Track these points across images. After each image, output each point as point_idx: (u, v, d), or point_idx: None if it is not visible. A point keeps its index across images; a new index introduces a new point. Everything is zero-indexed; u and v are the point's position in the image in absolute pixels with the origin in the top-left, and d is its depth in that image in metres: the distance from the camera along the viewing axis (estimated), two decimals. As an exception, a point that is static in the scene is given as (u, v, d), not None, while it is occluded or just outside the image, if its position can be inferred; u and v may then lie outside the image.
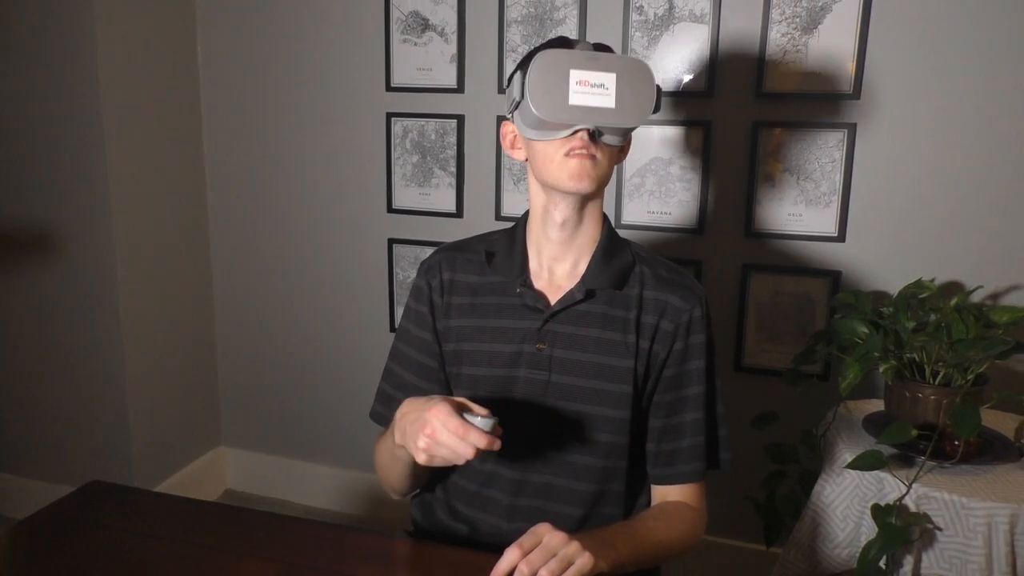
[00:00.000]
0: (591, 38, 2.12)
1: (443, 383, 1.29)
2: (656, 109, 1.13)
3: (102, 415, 2.48)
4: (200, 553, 1.06)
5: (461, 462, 0.98)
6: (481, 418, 0.99)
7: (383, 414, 1.32)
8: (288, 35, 2.45)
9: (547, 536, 0.98)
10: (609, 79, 1.08)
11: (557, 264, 1.24)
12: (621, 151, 1.23)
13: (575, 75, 1.08)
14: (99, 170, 2.28)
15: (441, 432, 0.97)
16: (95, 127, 2.25)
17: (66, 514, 1.15)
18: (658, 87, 1.13)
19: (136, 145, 2.37)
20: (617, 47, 2.08)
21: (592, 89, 1.08)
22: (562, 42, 1.17)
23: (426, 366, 1.29)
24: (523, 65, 1.15)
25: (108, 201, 2.29)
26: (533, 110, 1.09)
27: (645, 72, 1.10)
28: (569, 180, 1.14)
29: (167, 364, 2.58)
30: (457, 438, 0.96)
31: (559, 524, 1.15)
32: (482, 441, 0.96)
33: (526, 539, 0.98)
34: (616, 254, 1.24)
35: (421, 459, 1.00)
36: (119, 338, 2.39)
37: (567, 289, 1.22)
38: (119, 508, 1.17)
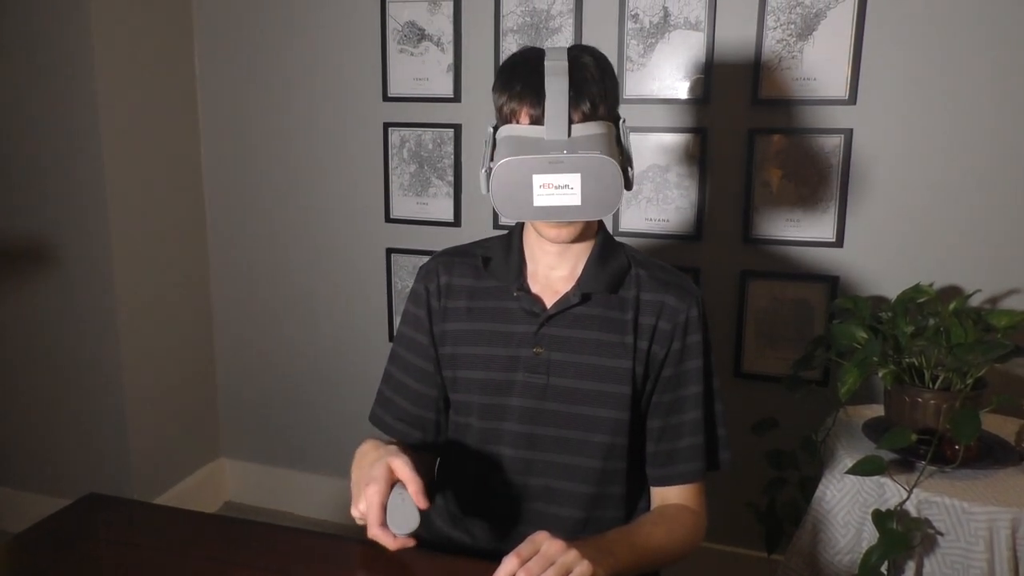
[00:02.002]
0: (587, 46, 2.12)
1: (440, 387, 1.29)
2: (631, 187, 1.10)
3: (100, 427, 2.47)
4: (197, 565, 1.05)
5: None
6: (402, 516, 1.00)
7: (382, 418, 1.33)
8: (284, 46, 2.46)
9: (545, 544, 0.98)
10: (574, 179, 1.04)
11: (553, 269, 1.24)
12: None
13: (538, 179, 1.05)
14: (96, 181, 2.28)
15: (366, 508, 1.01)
16: (92, 137, 2.26)
17: (63, 527, 1.14)
18: (626, 174, 1.08)
19: (133, 156, 2.37)
20: (612, 55, 2.08)
21: (556, 191, 1.05)
22: (529, 55, 1.13)
23: (423, 370, 1.29)
24: (496, 86, 1.14)
25: (105, 212, 2.29)
26: (500, 213, 1.08)
27: (610, 168, 1.03)
28: (547, 232, 1.18)
29: (166, 375, 2.58)
30: (371, 523, 1.00)
31: (560, 527, 1.15)
32: (380, 540, 1.00)
33: (524, 547, 0.98)
34: (611, 257, 1.24)
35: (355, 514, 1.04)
36: (117, 350, 2.38)
37: (563, 293, 1.22)
38: (116, 521, 1.16)
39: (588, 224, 1.21)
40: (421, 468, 1.27)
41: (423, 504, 0.99)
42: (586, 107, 1.07)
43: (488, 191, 1.08)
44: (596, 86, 1.09)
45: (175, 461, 2.65)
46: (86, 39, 2.21)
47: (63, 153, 2.30)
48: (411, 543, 1.00)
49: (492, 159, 1.09)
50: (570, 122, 1.06)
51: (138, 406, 2.47)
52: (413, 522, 0.99)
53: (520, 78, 1.11)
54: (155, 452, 2.55)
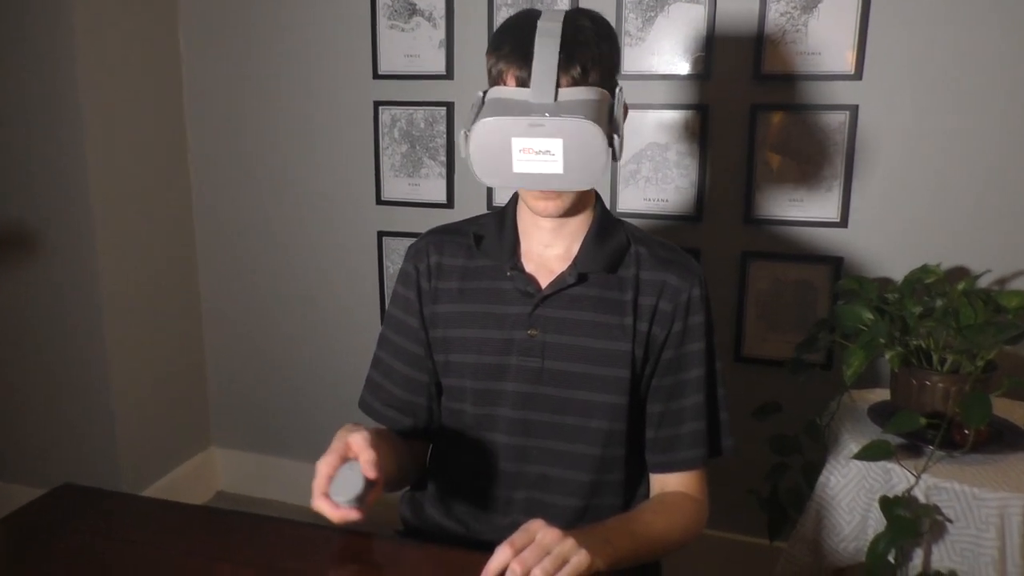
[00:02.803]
0: (583, 21, 2.06)
1: (430, 371, 1.24)
2: (618, 157, 1.02)
3: (87, 417, 2.42)
4: (173, 557, 1.00)
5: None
6: (345, 485, 0.96)
7: (371, 404, 1.28)
8: (271, 23, 2.39)
9: (540, 533, 0.93)
10: (555, 145, 0.97)
11: (547, 247, 1.19)
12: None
13: (517, 143, 0.98)
14: (78, 164, 2.23)
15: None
16: (74, 118, 2.20)
17: (33, 519, 1.09)
18: (614, 141, 0.99)
19: (116, 138, 2.31)
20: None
21: (537, 156, 0.98)
22: (524, 16, 1.08)
23: (413, 354, 1.24)
24: (488, 48, 1.08)
25: (87, 195, 2.24)
26: (478, 176, 1.02)
27: (595, 134, 0.96)
28: (535, 204, 1.12)
29: (153, 364, 2.53)
30: (315, 493, 0.98)
31: (558, 516, 1.10)
32: (321, 510, 0.96)
33: (518, 537, 0.93)
34: (609, 236, 1.18)
35: None
36: (102, 338, 2.33)
37: (559, 272, 1.16)
38: (90, 512, 1.11)
39: (580, 199, 1.15)
40: (408, 455, 1.23)
41: (371, 474, 0.95)
42: (576, 71, 1.01)
43: (467, 155, 1.02)
44: (589, 50, 1.02)
45: (165, 451, 2.61)
46: (68, 23, 2.14)
47: (44, 138, 2.24)
48: (354, 515, 0.95)
49: (475, 121, 1.03)
50: (557, 85, 1.00)
51: (126, 395, 2.42)
52: (352, 490, 0.94)
53: (511, 38, 1.05)
54: (144, 442, 2.51)
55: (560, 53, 1.00)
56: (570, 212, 1.15)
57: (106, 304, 2.33)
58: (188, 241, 2.63)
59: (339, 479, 0.96)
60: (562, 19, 1.03)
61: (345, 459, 0.99)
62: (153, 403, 2.54)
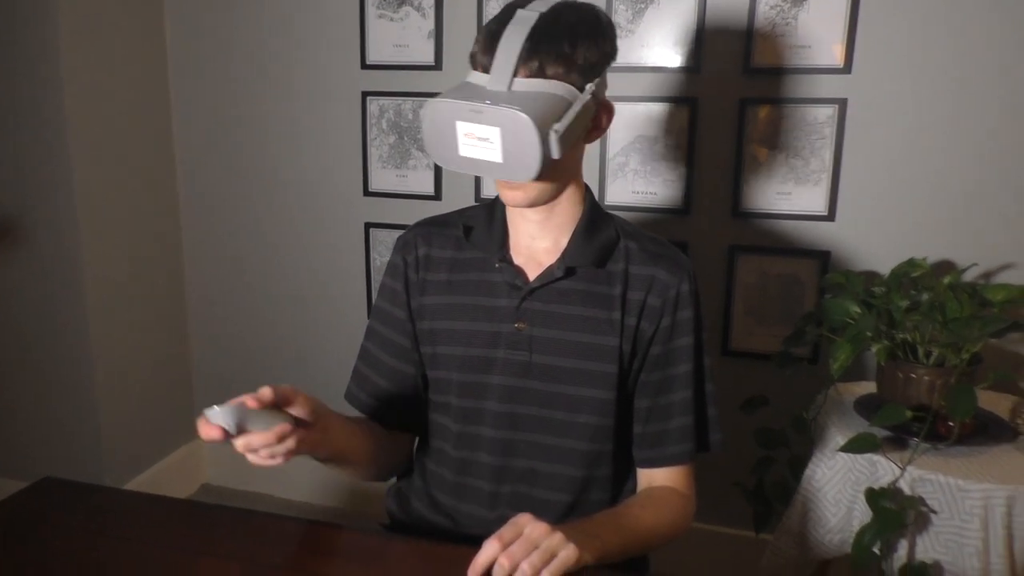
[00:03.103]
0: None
1: (417, 363, 1.24)
2: (555, 155, 0.99)
3: (70, 410, 2.40)
4: (156, 552, 0.99)
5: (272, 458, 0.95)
6: (225, 408, 0.91)
7: (356, 395, 1.27)
8: (259, 11, 2.37)
9: (528, 527, 0.93)
10: (493, 133, 0.98)
11: (534, 239, 1.18)
12: (591, 132, 1.13)
13: (461, 127, 1.00)
14: (62, 158, 2.20)
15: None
16: (57, 111, 2.17)
17: (14, 513, 1.08)
18: (549, 138, 0.98)
19: (101, 131, 2.29)
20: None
21: (479, 142, 1.00)
22: (513, 5, 1.07)
23: (400, 346, 1.23)
24: (477, 33, 1.08)
25: (72, 189, 2.21)
26: (429, 154, 1.03)
27: (527, 128, 0.96)
28: (502, 192, 1.13)
29: (138, 355, 2.51)
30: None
31: (546, 511, 1.10)
32: (204, 432, 0.90)
33: (506, 530, 0.93)
34: (599, 230, 1.18)
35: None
36: (86, 328, 2.31)
37: (547, 265, 1.16)
38: (72, 506, 1.10)
39: (551, 191, 1.12)
40: (383, 444, 1.23)
41: (251, 403, 0.93)
42: (534, 64, 1.01)
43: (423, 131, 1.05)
44: (557, 45, 1.01)
45: (150, 443, 2.59)
46: (53, 12, 2.11)
47: (27, 130, 2.21)
48: (216, 434, 0.90)
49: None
50: (515, 75, 1.00)
51: (110, 387, 2.40)
52: (221, 410, 0.90)
53: (488, 25, 1.06)
54: (129, 434, 2.49)
55: (525, 44, 1.00)
56: (540, 202, 1.13)
57: (90, 295, 2.30)
58: (174, 232, 2.61)
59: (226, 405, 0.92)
60: (543, 10, 1.03)
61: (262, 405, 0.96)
62: (138, 395, 2.52)
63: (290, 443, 0.95)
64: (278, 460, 0.95)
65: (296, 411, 0.98)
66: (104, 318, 2.36)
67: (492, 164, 1.01)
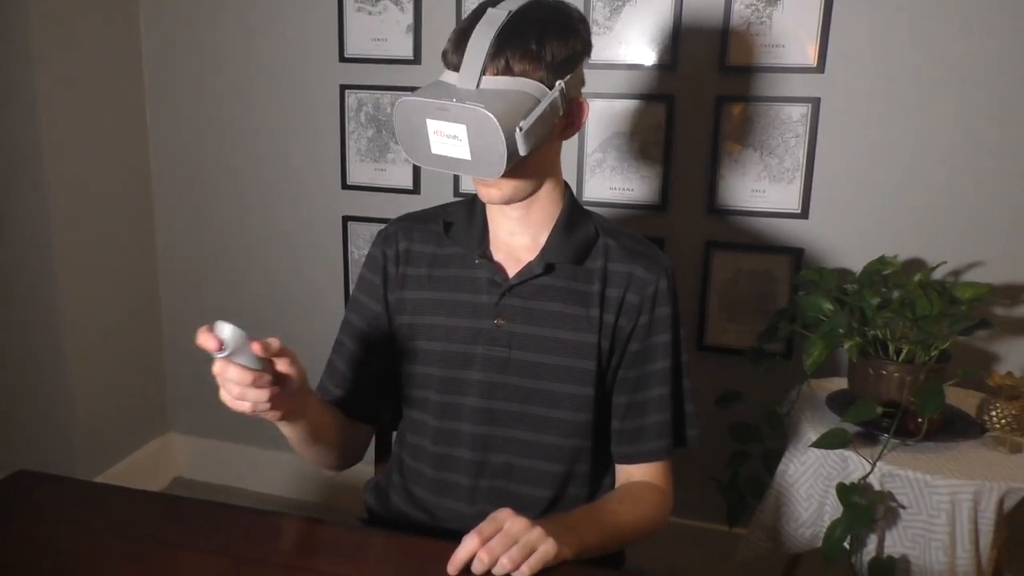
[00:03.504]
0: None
1: (388, 356, 1.24)
2: (521, 152, 1.01)
3: (41, 401, 2.37)
4: (138, 546, 0.99)
5: (254, 406, 0.93)
6: (235, 330, 0.90)
7: (324, 384, 1.27)
8: (236, 4, 2.34)
9: (508, 522, 0.94)
10: (460, 130, 1.00)
11: (514, 236, 1.19)
12: (566, 129, 1.13)
13: (431, 125, 1.02)
14: (33, 151, 2.16)
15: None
16: (28, 103, 2.13)
17: (-10, 506, 1.07)
18: (515, 135, 0.99)
19: (74, 123, 2.25)
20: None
21: (448, 140, 1.02)
22: (485, 3, 1.08)
23: (371, 338, 1.24)
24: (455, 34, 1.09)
25: (44, 181, 2.18)
26: (403, 152, 1.04)
27: (491, 126, 0.97)
28: (478, 189, 1.14)
29: (110, 347, 2.48)
30: (223, 381, 0.92)
31: (525, 506, 1.11)
32: (201, 338, 0.89)
33: (486, 525, 0.93)
34: (578, 226, 1.19)
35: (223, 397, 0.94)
36: (57, 319, 2.28)
37: (526, 262, 1.16)
38: (49, 498, 1.09)
39: (528, 188, 1.13)
40: (355, 438, 1.24)
41: (256, 346, 0.91)
42: (500, 63, 1.02)
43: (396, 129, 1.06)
44: (524, 43, 1.02)
45: (121, 435, 2.56)
46: (23, 9, 2.07)
47: (-3, 112, 2.18)
48: (212, 344, 0.89)
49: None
50: (483, 73, 1.01)
51: (81, 379, 2.37)
52: (230, 329, 0.90)
53: (460, 24, 1.07)
54: (100, 426, 2.46)
55: (493, 42, 1.01)
56: (515, 199, 1.14)
57: (63, 289, 2.27)
58: (148, 226, 2.57)
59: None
60: (513, 8, 1.04)
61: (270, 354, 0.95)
62: (110, 387, 2.49)
63: (263, 394, 0.92)
64: (244, 406, 0.93)
65: (285, 367, 0.96)
66: (77, 311, 2.33)
67: (462, 161, 1.03)
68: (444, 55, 1.07)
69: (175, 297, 2.64)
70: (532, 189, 1.14)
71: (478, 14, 1.05)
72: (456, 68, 1.03)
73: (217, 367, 0.91)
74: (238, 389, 0.91)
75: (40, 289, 2.28)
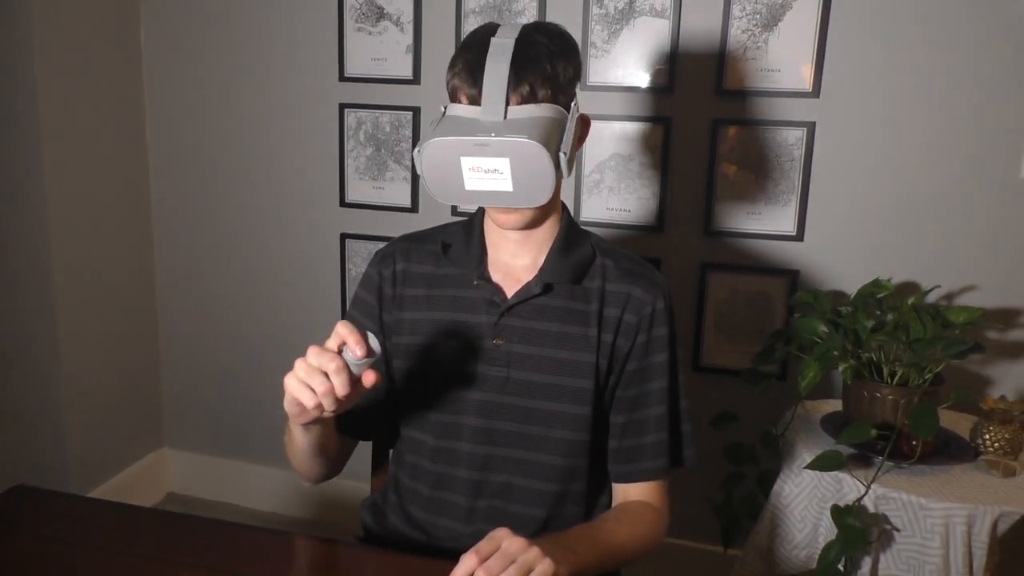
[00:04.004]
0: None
1: (382, 376, 1.23)
2: (566, 175, 1.03)
3: (35, 416, 2.36)
4: (132, 562, 0.99)
5: (320, 404, 0.94)
6: (355, 355, 0.91)
7: None
8: (236, 23, 2.36)
9: (506, 541, 0.94)
10: (502, 164, 1.00)
11: (514, 257, 1.20)
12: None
13: (467, 162, 1.01)
14: (34, 162, 2.17)
15: (299, 367, 0.93)
16: (30, 115, 2.14)
17: (-14, 521, 1.07)
18: (560, 159, 1.01)
19: (74, 138, 2.26)
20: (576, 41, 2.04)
21: (486, 175, 1.01)
22: (481, 32, 1.08)
23: None
24: (449, 66, 1.09)
25: (43, 193, 2.19)
26: (431, 194, 1.04)
27: (538, 154, 0.98)
28: (497, 217, 1.14)
29: (106, 362, 2.47)
30: (313, 370, 0.92)
31: (521, 526, 1.11)
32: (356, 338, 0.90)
33: (483, 544, 0.93)
34: (575, 247, 1.20)
35: (288, 408, 0.95)
36: (54, 334, 2.28)
37: (525, 282, 1.17)
38: (45, 514, 1.09)
39: (545, 210, 1.16)
40: (345, 451, 1.24)
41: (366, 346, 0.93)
42: (524, 89, 1.03)
43: (420, 172, 1.04)
44: (540, 68, 1.03)
45: (115, 451, 2.55)
46: (26, 18, 2.09)
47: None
48: (362, 350, 0.91)
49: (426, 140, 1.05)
50: (507, 104, 1.01)
51: (76, 393, 2.37)
52: (367, 359, 0.92)
53: (464, 56, 1.06)
54: (94, 441, 2.45)
55: (510, 71, 1.01)
56: (535, 224, 1.16)
57: (60, 303, 2.27)
58: (145, 241, 2.58)
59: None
60: (516, 36, 1.04)
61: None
62: (105, 402, 2.48)
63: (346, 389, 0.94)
64: (328, 402, 0.94)
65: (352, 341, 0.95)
66: (73, 326, 2.33)
67: (503, 193, 1.02)
68: (455, 90, 1.07)
69: (171, 313, 2.65)
70: (548, 212, 1.17)
71: (481, 46, 1.05)
72: (474, 101, 1.03)
73: (332, 365, 0.91)
74: (341, 387, 0.92)
75: (37, 305, 2.28)
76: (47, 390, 2.34)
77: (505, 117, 1.01)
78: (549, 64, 1.04)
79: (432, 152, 1.02)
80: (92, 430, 2.44)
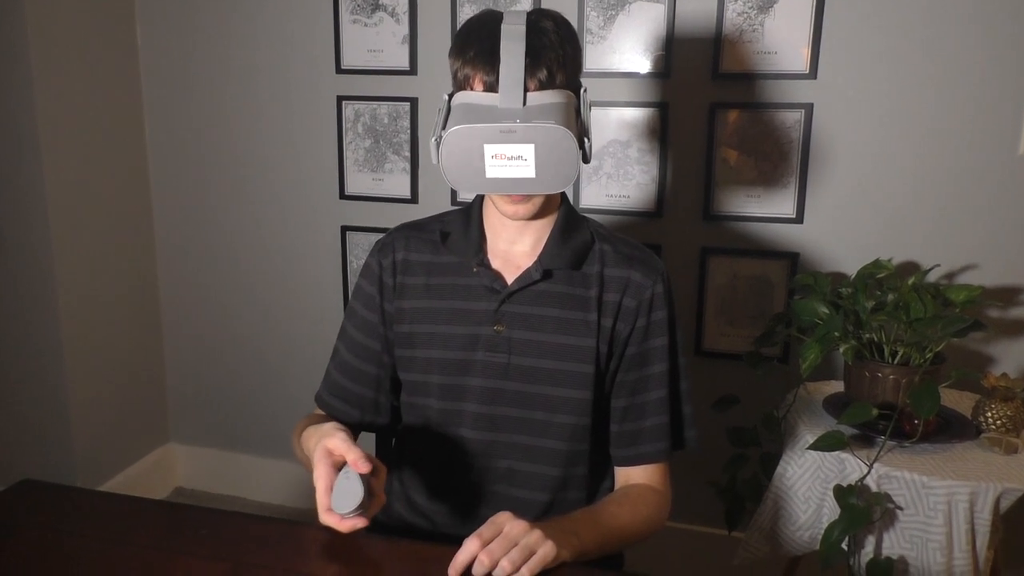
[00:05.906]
0: (546, 18, 2.07)
1: (384, 365, 1.25)
2: (588, 159, 1.04)
3: (41, 412, 2.38)
4: (141, 553, 1.00)
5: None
6: (346, 495, 0.95)
7: (321, 395, 1.29)
8: (233, 15, 2.36)
9: (508, 525, 0.95)
10: (527, 150, 0.99)
11: (513, 244, 1.20)
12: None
13: (490, 149, 0.99)
14: (34, 161, 2.18)
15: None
16: (28, 117, 2.15)
17: (-5, 516, 1.08)
18: (584, 144, 1.02)
19: (73, 135, 2.27)
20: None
21: (509, 162, 1.00)
22: (486, 18, 1.08)
23: (366, 347, 1.25)
24: (452, 51, 1.09)
25: (43, 190, 2.19)
26: (450, 183, 1.03)
27: (566, 140, 0.98)
28: (505, 208, 1.14)
29: (111, 358, 2.49)
30: (320, 509, 0.96)
31: (524, 510, 1.12)
32: (331, 525, 0.95)
33: (486, 529, 0.94)
34: (574, 233, 1.20)
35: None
36: (58, 332, 2.29)
37: (525, 268, 1.18)
38: (53, 508, 1.10)
39: (548, 199, 1.16)
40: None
41: (364, 468, 0.94)
42: (543, 75, 1.02)
43: (438, 161, 1.03)
44: (555, 52, 1.03)
45: (122, 446, 2.57)
46: (20, 19, 2.09)
47: (-3, 126, 2.19)
48: (361, 523, 0.95)
49: (444, 127, 1.03)
50: (525, 90, 1.01)
51: (82, 390, 2.38)
52: (354, 499, 0.93)
53: (475, 42, 1.05)
54: (100, 437, 2.47)
55: (528, 57, 1.01)
56: (542, 214, 1.17)
57: (63, 300, 2.28)
58: (147, 237, 2.59)
59: (339, 490, 0.95)
60: (525, 21, 1.04)
61: (338, 467, 0.98)
62: (110, 398, 2.50)
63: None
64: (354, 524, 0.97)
65: (350, 460, 0.98)
66: (77, 322, 2.34)
67: (525, 180, 1.01)
68: (467, 78, 1.05)
69: (175, 308, 2.66)
70: (555, 199, 1.18)
71: (493, 33, 1.03)
72: (491, 88, 1.03)
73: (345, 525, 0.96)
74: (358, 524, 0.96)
75: (40, 302, 2.29)
76: (52, 388, 2.35)
77: (524, 103, 1.00)
78: (562, 49, 1.05)
79: (455, 141, 1.00)
80: (98, 427, 2.46)
